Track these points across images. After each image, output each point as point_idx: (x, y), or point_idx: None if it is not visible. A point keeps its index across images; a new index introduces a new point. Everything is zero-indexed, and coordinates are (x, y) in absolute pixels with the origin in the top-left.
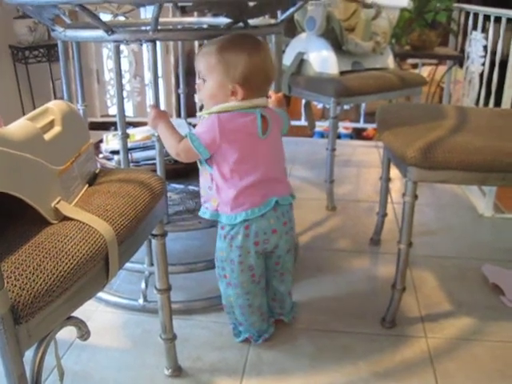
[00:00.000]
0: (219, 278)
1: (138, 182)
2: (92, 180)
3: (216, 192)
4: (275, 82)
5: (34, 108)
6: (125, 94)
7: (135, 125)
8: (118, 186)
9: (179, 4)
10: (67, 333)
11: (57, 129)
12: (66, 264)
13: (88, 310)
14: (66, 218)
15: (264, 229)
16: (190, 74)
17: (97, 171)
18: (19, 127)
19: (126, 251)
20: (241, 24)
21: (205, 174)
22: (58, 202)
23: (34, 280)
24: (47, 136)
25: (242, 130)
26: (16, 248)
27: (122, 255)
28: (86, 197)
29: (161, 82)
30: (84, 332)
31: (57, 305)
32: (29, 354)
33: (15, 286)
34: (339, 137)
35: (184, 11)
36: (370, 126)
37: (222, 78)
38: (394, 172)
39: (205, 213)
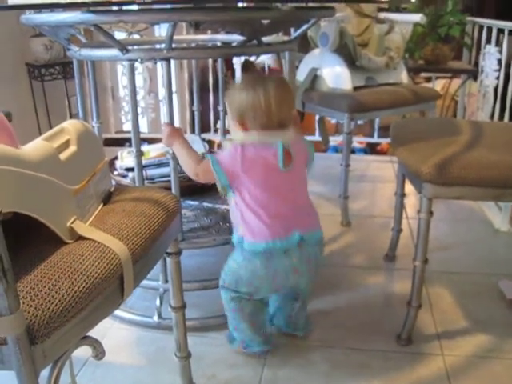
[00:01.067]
0: (220, 284)
1: (153, 201)
2: (107, 198)
3: (240, 219)
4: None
5: (50, 124)
6: (139, 110)
7: (150, 141)
8: (133, 204)
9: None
10: (82, 350)
11: (72, 148)
12: (82, 284)
13: (103, 328)
14: (81, 238)
15: (285, 266)
16: (204, 90)
17: (111, 189)
18: (35, 148)
19: (140, 270)
20: (254, 42)
21: (232, 200)
22: (73, 222)
23: (49, 300)
24: (63, 156)
25: (262, 162)
26: (31, 268)
27: (136, 274)
28: (101, 216)
29: (175, 98)
30: (99, 352)
31: (72, 325)
32: (44, 374)
33: (31, 306)
34: (353, 151)
35: (198, 28)
36: (384, 141)
37: (229, 112)
38: (409, 187)
39: (233, 238)
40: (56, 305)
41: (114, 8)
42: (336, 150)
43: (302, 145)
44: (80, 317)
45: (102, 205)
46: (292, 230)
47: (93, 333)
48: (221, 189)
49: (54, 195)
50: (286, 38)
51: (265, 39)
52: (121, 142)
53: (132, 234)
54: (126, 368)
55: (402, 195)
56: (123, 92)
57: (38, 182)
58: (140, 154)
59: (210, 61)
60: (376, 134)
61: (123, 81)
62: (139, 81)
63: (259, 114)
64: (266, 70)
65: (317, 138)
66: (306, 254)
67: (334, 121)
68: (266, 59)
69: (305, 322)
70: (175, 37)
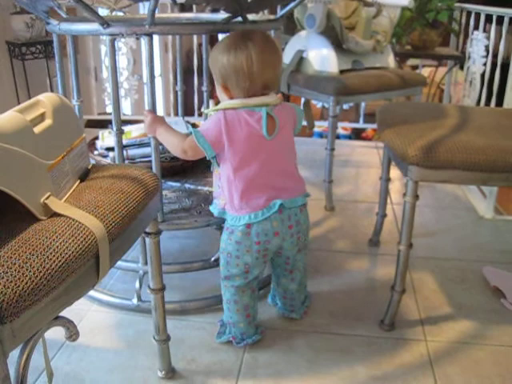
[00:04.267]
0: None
1: (132, 179)
2: (84, 176)
3: (222, 191)
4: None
5: None
6: (123, 91)
7: (133, 123)
8: (111, 182)
9: (178, 0)
10: (58, 332)
11: (47, 122)
12: (54, 262)
13: (81, 310)
14: (55, 214)
15: (265, 230)
16: (188, 72)
17: (89, 167)
18: (7, 119)
19: (117, 249)
20: (239, 19)
21: (215, 171)
22: (47, 198)
23: (19, 278)
24: (37, 129)
25: (246, 129)
26: (2, 245)
27: (113, 253)
28: (77, 193)
29: (159, 80)
30: (72, 333)
31: (43, 304)
32: (15, 354)
33: None
34: (338, 137)
35: (183, 8)
36: (370, 127)
37: (214, 77)
38: (394, 172)
39: (214, 208)
40: (26, 283)
41: None
42: (321, 135)
43: (289, 110)
44: (52, 296)
45: (78, 182)
46: (273, 199)
47: (70, 315)
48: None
49: (27, 169)
50: (272, 17)
51: (250, 17)
52: (104, 124)
53: (108, 212)
54: (104, 351)
55: (386, 180)
56: (106, 73)
57: (10, 154)
58: (120, 132)
59: (195, 43)
60: (361, 120)
61: (106, 62)
62: (123, 62)
63: (242, 78)
64: None
65: (303, 122)
66: (286, 219)
67: (319, 105)
68: None
69: (301, 303)
70: (159, 15)
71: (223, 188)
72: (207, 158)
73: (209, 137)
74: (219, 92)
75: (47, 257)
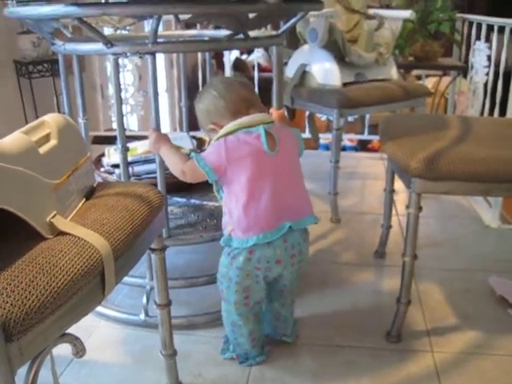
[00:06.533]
0: (220, 291)
1: (136, 196)
2: (89, 194)
3: (229, 217)
4: (276, 97)
5: None
6: (129, 108)
7: (140, 139)
8: (116, 199)
9: (181, 18)
10: (67, 349)
11: (52, 142)
12: (60, 280)
13: (90, 326)
14: (61, 233)
15: (268, 257)
16: (194, 87)
17: (94, 185)
18: (13, 141)
19: (123, 266)
20: (241, 36)
21: (222, 201)
22: (53, 217)
23: (26, 296)
24: (42, 149)
25: (247, 148)
26: (9, 264)
27: (118, 270)
28: (83, 211)
29: (165, 96)
30: (79, 349)
31: (50, 322)
32: (22, 372)
33: (7, 302)
34: (344, 149)
35: (188, 26)
36: (375, 138)
37: (202, 126)
38: (399, 184)
39: (221, 240)
40: (33, 301)
41: (102, 0)
42: (327, 147)
43: (288, 131)
44: (59, 313)
45: (84, 200)
46: (283, 219)
47: (79, 331)
48: (215, 189)
49: (33, 189)
50: (274, 33)
51: (252, 33)
52: (110, 140)
53: (114, 229)
54: (112, 367)
55: (391, 191)
56: (112, 90)
57: (16, 175)
58: (125, 149)
59: (200, 58)
60: (366, 131)
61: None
62: (129, 78)
63: (220, 104)
64: (256, 67)
65: (307, 135)
66: (290, 248)
67: (324, 118)
68: (257, 58)
69: (292, 327)
70: (163, 33)
71: (230, 211)
72: (209, 182)
73: (209, 160)
74: (212, 133)
75: (53, 275)
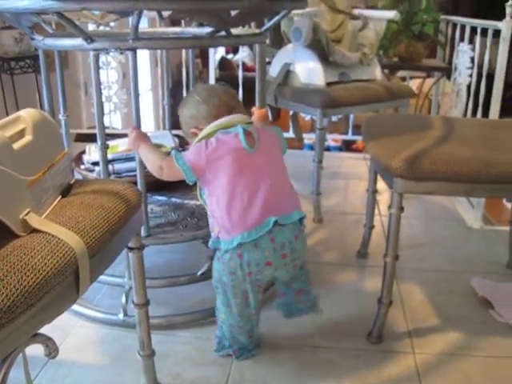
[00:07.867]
0: (215, 292)
1: (114, 194)
2: (66, 191)
3: (214, 219)
4: (258, 96)
5: None
6: (112, 106)
7: (122, 137)
8: (92, 197)
9: (164, 15)
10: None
11: (27, 138)
12: (32, 278)
13: (67, 325)
14: (34, 231)
15: (257, 260)
16: (177, 86)
17: (71, 182)
18: None
19: (98, 265)
20: (223, 33)
21: (206, 205)
22: (26, 214)
23: None
24: (16, 145)
25: (227, 147)
26: None
27: (93, 269)
28: (58, 208)
29: (150, 95)
30: (52, 350)
31: (21, 321)
32: None
33: None
34: (328, 149)
35: (173, 23)
36: (359, 138)
37: (185, 132)
38: (383, 184)
39: (210, 242)
40: (3, 300)
41: None
42: (311, 147)
43: (268, 130)
44: (30, 313)
45: (60, 197)
46: (267, 215)
47: (56, 331)
48: (198, 194)
49: (6, 186)
50: (257, 31)
51: (235, 31)
52: (93, 138)
53: (89, 227)
54: (90, 367)
55: (374, 192)
56: None
57: None
58: (105, 146)
59: (184, 57)
60: (350, 132)
61: None
62: (113, 76)
63: (202, 108)
64: (241, 67)
65: (291, 134)
66: (279, 248)
67: (308, 117)
68: (242, 57)
69: (314, 299)
70: (146, 30)
71: (213, 212)
72: (187, 182)
73: (188, 158)
74: (193, 138)
75: (25, 273)
